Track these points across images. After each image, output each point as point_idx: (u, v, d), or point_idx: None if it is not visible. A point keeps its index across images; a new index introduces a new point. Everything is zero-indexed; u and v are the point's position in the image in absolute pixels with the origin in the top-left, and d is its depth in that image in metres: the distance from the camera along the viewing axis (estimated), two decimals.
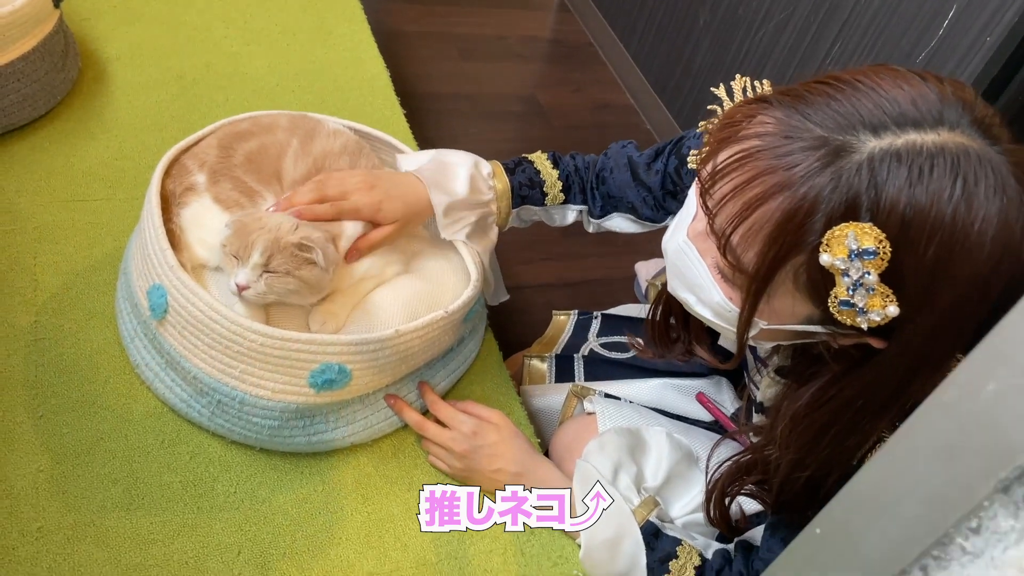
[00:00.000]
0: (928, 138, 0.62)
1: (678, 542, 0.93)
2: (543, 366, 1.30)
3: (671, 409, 1.17)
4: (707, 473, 0.96)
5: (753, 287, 0.69)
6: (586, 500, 0.94)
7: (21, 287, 1.06)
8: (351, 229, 1.01)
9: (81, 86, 1.35)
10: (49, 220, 1.15)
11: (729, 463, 0.89)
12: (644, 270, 1.66)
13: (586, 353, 1.33)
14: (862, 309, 0.64)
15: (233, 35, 1.56)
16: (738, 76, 0.89)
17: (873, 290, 0.63)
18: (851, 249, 0.61)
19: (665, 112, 2.42)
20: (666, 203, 1.10)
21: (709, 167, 0.71)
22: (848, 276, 0.63)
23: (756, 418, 0.95)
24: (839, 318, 0.66)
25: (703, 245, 0.76)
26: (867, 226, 0.61)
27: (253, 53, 1.53)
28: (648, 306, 1.07)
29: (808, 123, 0.65)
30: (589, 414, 1.12)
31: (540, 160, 1.15)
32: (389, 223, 1.01)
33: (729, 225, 0.68)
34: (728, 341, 0.89)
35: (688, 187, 0.97)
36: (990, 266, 0.62)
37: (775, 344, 0.82)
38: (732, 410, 1.15)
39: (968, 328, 0.66)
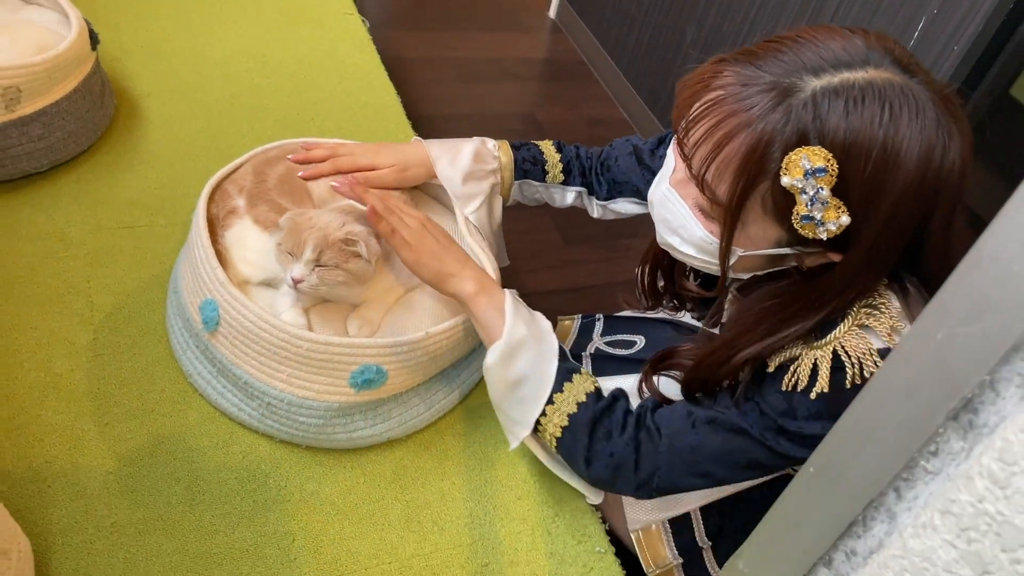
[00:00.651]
0: (858, 75, 0.76)
1: (580, 368, 1.00)
2: None
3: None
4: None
5: (728, 216, 0.82)
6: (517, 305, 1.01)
7: (79, 308, 1.16)
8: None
9: (117, 122, 1.45)
10: (99, 246, 1.24)
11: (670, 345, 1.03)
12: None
13: (592, 351, 1.42)
14: (820, 221, 0.77)
15: (254, 68, 1.66)
16: None
17: (827, 203, 0.76)
18: (805, 169, 0.74)
19: (658, 125, 2.53)
20: None
21: (683, 121, 0.83)
22: (805, 193, 0.76)
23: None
24: (802, 233, 0.79)
25: (683, 190, 0.89)
26: (816, 148, 0.74)
27: (273, 85, 1.64)
28: (637, 270, 1.18)
29: (760, 72, 0.78)
30: None
31: (545, 144, 1.27)
32: (385, 168, 1.11)
33: (703, 164, 0.81)
34: (712, 274, 1.00)
35: None
36: (918, 177, 0.75)
37: (752, 275, 0.93)
38: None
39: (903, 238, 0.79)
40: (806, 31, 0.80)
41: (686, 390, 0.98)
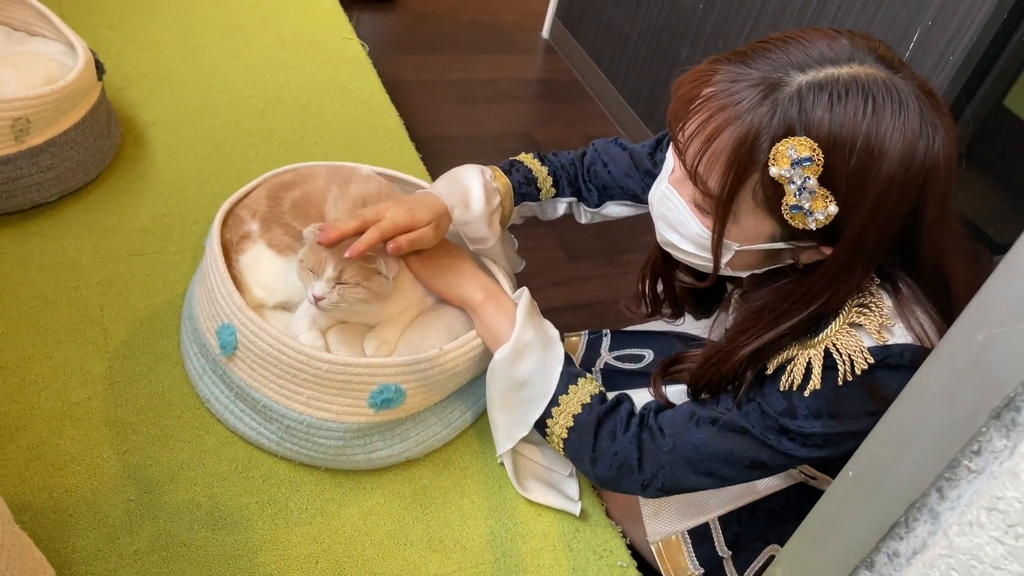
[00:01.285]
0: (843, 71, 0.78)
1: (585, 373, 1.05)
2: None
3: None
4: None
5: (720, 207, 0.84)
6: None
7: (93, 336, 1.16)
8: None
9: (124, 150, 1.46)
10: (110, 274, 1.24)
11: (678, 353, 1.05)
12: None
13: (601, 367, 1.43)
14: (809, 210, 0.79)
15: (256, 95, 1.67)
16: None
17: (815, 192, 0.78)
18: (792, 159, 0.77)
19: None
20: None
21: (677, 120, 0.86)
22: (793, 183, 0.78)
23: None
24: (792, 223, 0.81)
25: (681, 188, 0.91)
26: (802, 139, 0.77)
27: (276, 111, 1.65)
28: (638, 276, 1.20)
29: (749, 69, 0.81)
30: None
31: (528, 159, 1.28)
32: (423, 226, 1.12)
33: (695, 158, 0.83)
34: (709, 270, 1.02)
35: None
36: (903, 167, 0.77)
37: (750, 273, 0.95)
38: None
39: (891, 229, 0.81)
40: (794, 32, 0.84)
41: (693, 391, 0.99)
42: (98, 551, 0.94)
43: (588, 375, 1.04)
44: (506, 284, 1.17)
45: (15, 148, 1.23)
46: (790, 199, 0.80)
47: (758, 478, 0.98)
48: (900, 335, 0.84)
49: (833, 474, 1.05)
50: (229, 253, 1.12)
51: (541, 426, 1.04)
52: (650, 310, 1.19)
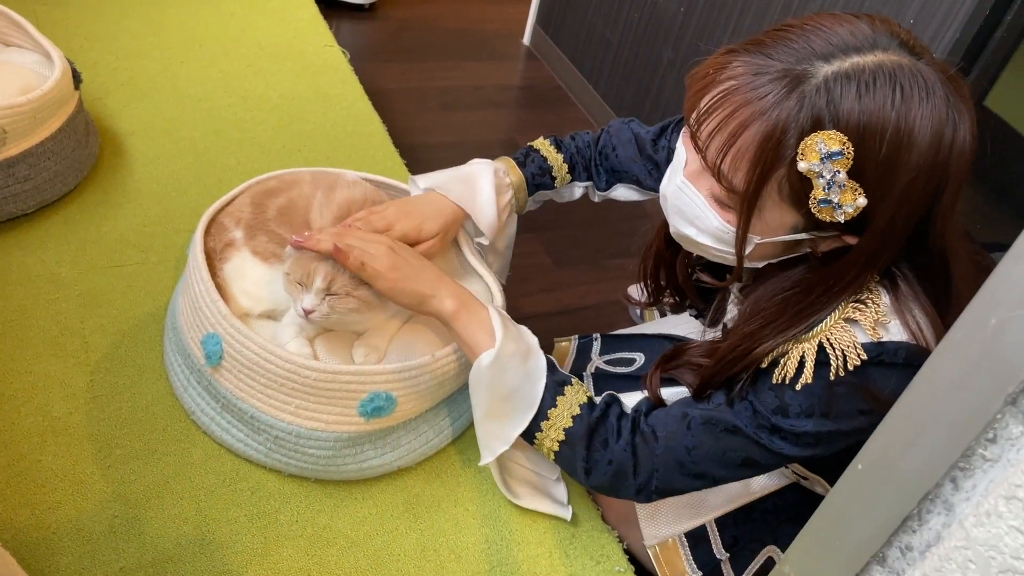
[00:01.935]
0: (868, 59, 0.76)
1: (571, 379, 1.00)
2: None
3: None
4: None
5: (745, 204, 0.82)
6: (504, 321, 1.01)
7: (74, 350, 1.13)
8: None
9: (102, 160, 1.43)
10: (90, 286, 1.22)
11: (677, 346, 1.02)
12: (636, 292, 1.76)
13: (592, 371, 1.42)
14: (837, 204, 0.78)
15: (236, 103, 1.65)
16: None
17: (844, 186, 0.77)
18: (822, 153, 0.75)
19: None
20: None
21: (694, 114, 0.83)
22: (823, 177, 0.76)
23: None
24: (819, 216, 0.79)
25: (698, 182, 0.89)
26: (832, 132, 0.75)
27: (256, 119, 1.63)
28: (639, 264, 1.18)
29: (771, 61, 0.79)
30: None
31: (545, 147, 1.26)
32: (430, 238, 1.11)
33: (719, 155, 0.81)
34: (728, 264, 0.99)
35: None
36: (931, 155, 0.76)
37: (765, 264, 0.93)
38: None
39: (916, 216, 0.80)
40: (811, 19, 0.81)
41: (701, 387, 0.97)
42: (82, 568, 0.91)
43: (574, 380, 1.00)
44: (497, 291, 1.15)
45: None
46: (819, 193, 0.78)
47: (750, 476, 0.97)
48: (896, 332, 0.82)
49: (824, 474, 1.04)
50: (213, 261, 1.10)
51: (529, 437, 1.01)
52: (652, 299, 1.18)
